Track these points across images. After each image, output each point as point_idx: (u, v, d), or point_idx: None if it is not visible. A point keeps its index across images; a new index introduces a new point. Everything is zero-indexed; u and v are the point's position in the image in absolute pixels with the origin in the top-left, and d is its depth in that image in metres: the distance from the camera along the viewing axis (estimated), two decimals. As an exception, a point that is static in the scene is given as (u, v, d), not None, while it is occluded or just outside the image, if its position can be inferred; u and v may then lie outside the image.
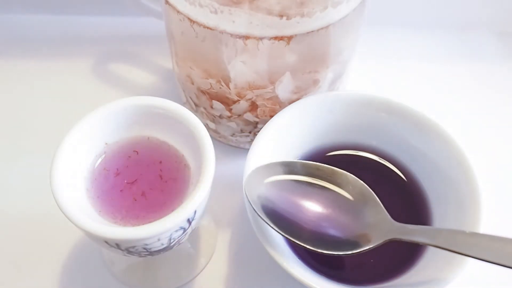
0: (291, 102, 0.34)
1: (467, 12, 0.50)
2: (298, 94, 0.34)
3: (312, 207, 0.29)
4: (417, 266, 0.30)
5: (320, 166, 0.30)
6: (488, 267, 0.26)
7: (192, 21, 0.30)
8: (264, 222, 0.28)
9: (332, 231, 0.29)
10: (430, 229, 0.28)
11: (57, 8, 0.49)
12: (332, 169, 0.30)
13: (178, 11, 0.30)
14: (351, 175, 0.30)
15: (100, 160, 0.29)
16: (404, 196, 0.33)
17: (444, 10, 0.50)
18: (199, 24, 0.30)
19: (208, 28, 0.29)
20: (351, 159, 0.36)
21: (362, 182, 0.30)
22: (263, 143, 0.32)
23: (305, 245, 0.28)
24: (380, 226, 0.28)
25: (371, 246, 0.28)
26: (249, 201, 0.28)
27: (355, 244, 0.28)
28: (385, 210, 0.29)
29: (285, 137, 0.33)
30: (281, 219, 0.28)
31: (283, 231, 0.28)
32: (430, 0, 0.49)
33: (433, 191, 0.33)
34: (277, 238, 0.30)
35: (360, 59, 0.41)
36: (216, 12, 0.28)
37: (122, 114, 0.29)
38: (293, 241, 0.28)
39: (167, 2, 0.31)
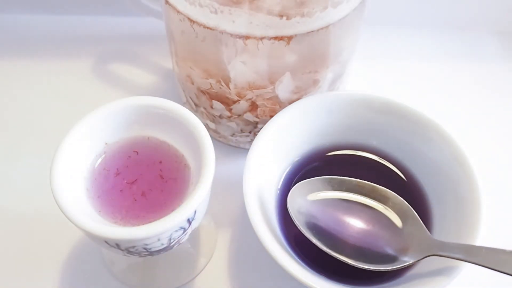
0: (291, 102, 0.34)
1: (467, 12, 0.50)
2: (298, 94, 0.34)
3: (353, 223, 0.30)
4: (417, 266, 0.30)
5: (361, 182, 0.31)
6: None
7: (192, 21, 0.30)
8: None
9: (373, 247, 0.29)
10: (469, 247, 0.27)
11: (57, 8, 0.49)
12: (373, 186, 0.31)
13: (178, 11, 0.30)
14: (391, 191, 0.30)
15: (100, 160, 0.29)
16: (404, 196, 0.33)
17: (444, 10, 0.50)
18: (199, 24, 0.30)
19: (208, 28, 0.29)
20: (351, 158, 0.36)
21: (401, 198, 0.30)
22: (263, 143, 0.32)
23: (346, 260, 0.28)
24: (420, 242, 0.29)
25: (410, 262, 0.28)
26: (292, 216, 0.29)
27: (395, 260, 0.29)
28: (424, 226, 0.29)
29: (285, 137, 0.33)
30: (322, 234, 0.29)
31: (325, 246, 0.29)
32: (430, 0, 0.49)
33: (433, 190, 0.33)
34: (277, 238, 0.30)
35: (360, 59, 0.41)
36: (216, 12, 0.28)
37: (122, 114, 0.29)
38: (334, 256, 0.29)
39: (167, 2, 0.31)
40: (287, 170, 0.35)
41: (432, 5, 0.50)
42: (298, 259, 0.30)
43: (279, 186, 0.34)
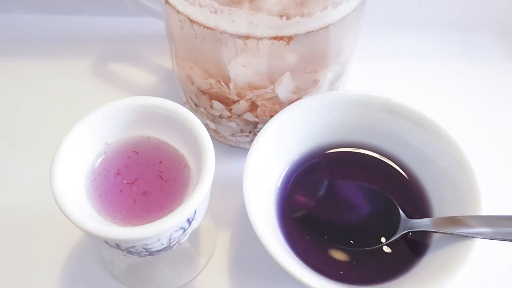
0: (291, 102, 0.34)
1: (467, 12, 0.50)
2: (298, 94, 0.34)
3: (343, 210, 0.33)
4: (416, 268, 0.30)
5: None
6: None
7: (192, 21, 0.30)
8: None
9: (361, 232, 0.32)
10: (435, 219, 0.31)
11: (57, 8, 0.49)
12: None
13: (178, 11, 0.30)
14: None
15: (100, 160, 0.29)
16: (405, 194, 0.33)
17: (444, 11, 0.50)
18: (199, 24, 0.30)
19: (208, 28, 0.29)
20: (351, 156, 0.36)
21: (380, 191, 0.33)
22: (263, 143, 0.32)
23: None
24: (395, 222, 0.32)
25: (391, 240, 0.31)
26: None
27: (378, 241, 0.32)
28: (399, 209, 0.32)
29: (285, 137, 0.33)
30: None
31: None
32: (430, 1, 0.49)
33: (433, 189, 0.33)
34: (277, 238, 0.30)
35: (360, 59, 0.41)
36: (216, 12, 0.28)
37: (122, 114, 0.29)
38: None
39: (167, 2, 0.31)
40: (287, 169, 0.35)
41: (432, 5, 0.50)
42: (298, 259, 0.30)
43: (278, 185, 0.34)
